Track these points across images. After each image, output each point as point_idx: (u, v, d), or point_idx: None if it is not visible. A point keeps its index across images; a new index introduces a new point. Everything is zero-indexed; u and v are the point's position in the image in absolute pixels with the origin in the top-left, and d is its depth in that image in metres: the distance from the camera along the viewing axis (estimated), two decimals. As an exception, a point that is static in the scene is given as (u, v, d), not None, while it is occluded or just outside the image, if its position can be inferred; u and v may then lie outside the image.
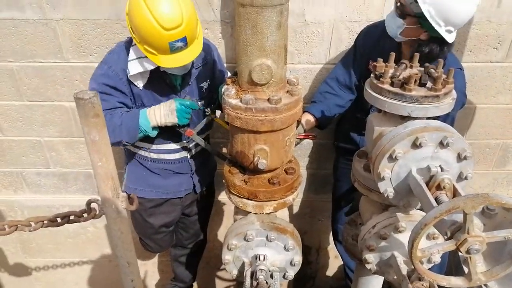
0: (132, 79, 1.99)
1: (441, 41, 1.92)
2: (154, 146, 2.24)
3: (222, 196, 3.20)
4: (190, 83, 2.14)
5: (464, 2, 1.82)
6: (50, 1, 2.42)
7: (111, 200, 1.18)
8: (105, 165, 1.11)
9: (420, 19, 1.87)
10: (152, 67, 1.93)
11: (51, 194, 3.29)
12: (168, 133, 2.13)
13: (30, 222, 1.25)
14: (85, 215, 1.26)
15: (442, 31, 1.87)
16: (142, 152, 2.28)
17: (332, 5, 2.45)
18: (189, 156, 2.33)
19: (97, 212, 1.25)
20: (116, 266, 3.65)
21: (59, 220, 1.26)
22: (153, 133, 2.06)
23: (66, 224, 1.31)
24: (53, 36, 2.54)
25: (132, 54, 1.94)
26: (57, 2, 2.42)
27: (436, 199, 1.31)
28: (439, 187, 1.34)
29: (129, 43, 2.01)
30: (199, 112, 2.18)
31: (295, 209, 3.41)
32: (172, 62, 1.83)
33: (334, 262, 3.73)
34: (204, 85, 2.21)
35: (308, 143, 3.04)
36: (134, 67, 1.94)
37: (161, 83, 2.05)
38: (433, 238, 1.60)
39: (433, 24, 1.84)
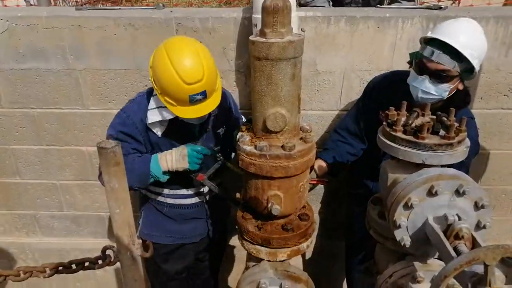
0: (151, 127, 2.05)
1: (467, 90, 2.03)
2: (170, 192, 2.26)
3: (233, 241, 3.16)
4: (207, 130, 2.20)
5: (484, 39, 1.93)
6: (74, 52, 2.56)
7: (127, 247, 1.18)
8: (122, 212, 1.12)
9: (462, 74, 1.94)
10: (170, 117, 1.99)
11: (62, 237, 3.29)
12: (183, 178, 2.15)
13: (45, 268, 1.25)
14: (100, 261, 1.25)
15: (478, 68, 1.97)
16: (159, 198, 2.29)
17: (342, 55, 2.54)
18: (205, 200, 2.34)
19: (112, 259, 1.25)
20: (122, 314, 3.54)
21: (74, 266, 1.26)
22: (164, 178, 2.07)
23: (79, 270, 1.30)
24: (75, 84, 2.65)
25: (152, 104, 2.02)
26: (81, 54, 2.56)
27: (455, 249, 1.28)
28: (457, 237, 1.31)
29: (149, 93, 2.08)
30: (213, 157, 2.20)
31: (307, 254, 3.34)
32: (191, 113, 1.89)
33: (348, 312, 3.57)
34: (221, 130, 2.26)
35: (320, 187, 3.03)
36: (153, 116, 2.01)
37: (180, 131, 2.10)
38: (452, 290, 1.54)
39: (476, 68, 1.92)
